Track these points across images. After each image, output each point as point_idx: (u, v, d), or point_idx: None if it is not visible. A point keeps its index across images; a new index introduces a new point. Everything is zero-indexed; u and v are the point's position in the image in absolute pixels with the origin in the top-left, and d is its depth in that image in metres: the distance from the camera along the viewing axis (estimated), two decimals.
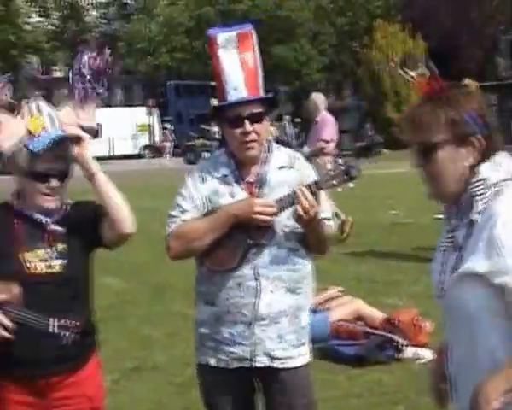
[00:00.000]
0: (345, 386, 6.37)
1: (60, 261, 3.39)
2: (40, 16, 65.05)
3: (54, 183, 3.36)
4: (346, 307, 7.70)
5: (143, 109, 44.62)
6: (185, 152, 40.71)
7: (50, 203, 3.40)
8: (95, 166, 3.41)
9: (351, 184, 3.52)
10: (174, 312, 8.61)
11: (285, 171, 3.68)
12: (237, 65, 3.60)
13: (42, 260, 3.36)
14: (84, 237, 3.46)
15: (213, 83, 3.82)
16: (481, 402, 2.33)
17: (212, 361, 3.70)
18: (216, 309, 3.63)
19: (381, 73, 40.07)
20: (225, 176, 3.66)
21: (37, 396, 3.39)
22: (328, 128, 11.98)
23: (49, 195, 3.37)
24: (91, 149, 3.42)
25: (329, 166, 3.53)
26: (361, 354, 6.90)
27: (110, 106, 55.20)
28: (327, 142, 11.72)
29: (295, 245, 3.65)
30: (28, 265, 3.35)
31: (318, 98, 12.42)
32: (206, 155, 37.82)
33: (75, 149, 3.37)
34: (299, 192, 3.44)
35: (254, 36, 3.70)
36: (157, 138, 44.82)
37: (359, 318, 7.58)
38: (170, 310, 8.75)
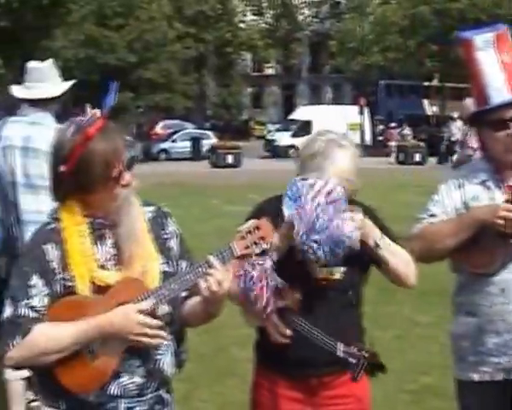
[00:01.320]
0: None
1: (340, 269, 3.30)
2: (254, 15, 66.77)
3: None
4: None
5: (355, 108, 44.25)
6: (397, 152, 40.13)
7: None
8: (376, 237, 3.27)
9: None
10: (404, 315, 8.36)
11: None
12: (497, 66, 3.51)
13: (322, 266, 3.27)
14: (365, 248, 3.32)
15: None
16: None
17: (476, 376, 3.57)
18: (478, 320, 3.52)
19: None
20: (484, 181, 3.55)
21: (309, 394, 3.37)
22: None
23: None
24: None
25: None
26: None
27: (319, 104, 55.75)
28: (474, 149, 11.46)
29: None
30: (309, 269, 3.28)
31: (471, 104, 11.95)
32: (418, 156, 37.57)
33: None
34: None
35: (510, 36, 3.61)
36: (368, 137, 44.44)
37: None
38: (400, 312, 8.52)
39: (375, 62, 55.78)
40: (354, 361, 3.14)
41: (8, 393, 5.14)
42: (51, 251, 2.70)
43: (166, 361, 2.79)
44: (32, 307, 2.65)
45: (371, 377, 3.24)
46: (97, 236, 2.74)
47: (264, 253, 2.79)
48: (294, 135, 43.62)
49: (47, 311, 2.66)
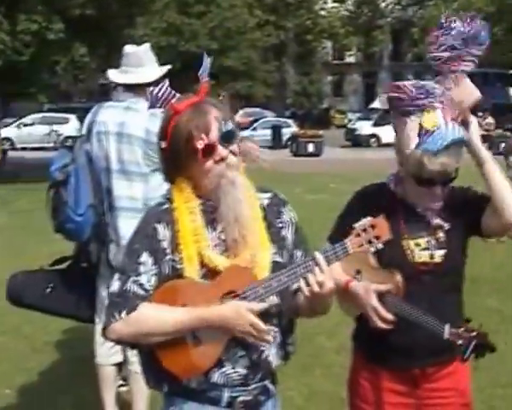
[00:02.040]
0: None
1: (441, 252, 3.20)
2: (335, 2, 66.41)
3: (438, 191, 3.14)
4: None
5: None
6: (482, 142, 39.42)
7: (433, 206, 3.20)
8: (484, 154, 3.14)
9: None
10: (491, 307, 8.17)
11: None
12: None
13: (423, 250, 3.19)
14: (464, 225, 3.24)
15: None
16: None
17: None
18: None
19: None
20: None
21: (411, 386, 3.27)
22: None
23: (433, 199, 3.18)
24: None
25: None
26: None
27: None
28: None
29: None
30: (410, 253, 3.19)
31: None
32: (503, 145, 36.81)
33: (466, 134, 3.09)
34: None
35: None
36: None
37: None
38: (485, 304, 8.30)
39: None
40: (461, 342, 2.99)
41: (100, 377, 5.19)
42: (162, 231, 2.66)
43: (272, 353, 2.72)
44: (140, 285, 2.61)
45: (479, 358, 3.06)
46: (208, 219, 2.68)
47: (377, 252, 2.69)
48: (376, 124, 43.24)
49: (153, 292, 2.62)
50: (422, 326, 3.07)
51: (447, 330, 3.02)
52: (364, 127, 44.12)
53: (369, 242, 2.60)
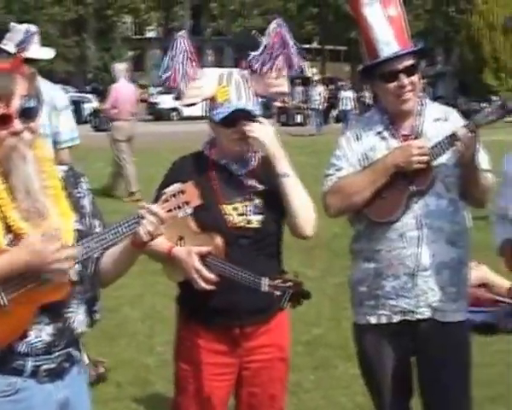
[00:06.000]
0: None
1: (257, 217, 3.36)
2: None
3: (240, 126, 3.33)
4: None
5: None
6: (278, 114, 40.39)
7: (242, 147, 3.36)
8: (284, 168, 3.37)
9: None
10: (292, 269, 8.45)
11: (440, 123, 3.63)
12: (384, 20, 3.59)
13: (240, 215, 3.35)
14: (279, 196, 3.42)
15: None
16: None
17: (373, 319, 3.67)
18: (376, 265, 3.61)
19: (481, 39, 39.44)
20: (380, 132, 3.64)
21: (232, 346, 3.42)
22: None
23: (240, 144, 3.36)
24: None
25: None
26: (489, 321, 6.68)
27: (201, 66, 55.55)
28: None
29: (456, 196, 3.61)
30: (227, 218, 3.33)
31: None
32: (299, 117, 37.98)
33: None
34: (459, 131, 3.39)
35: None
36: None
37: (484, 285, 7.32)
38: (288, 266, 8.63)
39: (257, 25, 55.89)
40: (279, 293, 3.19)
41: None
42: None
43: (77, 319, 2.74)
44: None
45: (296, 307, 3.29)
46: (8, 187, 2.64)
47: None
48: (177, 98, 43.22)
49: None
50: (242, 282, 3.21)
51: (264, 283, 3.20)
52: (166, 101, 44.09)
53: (179, 207, 2.66)
